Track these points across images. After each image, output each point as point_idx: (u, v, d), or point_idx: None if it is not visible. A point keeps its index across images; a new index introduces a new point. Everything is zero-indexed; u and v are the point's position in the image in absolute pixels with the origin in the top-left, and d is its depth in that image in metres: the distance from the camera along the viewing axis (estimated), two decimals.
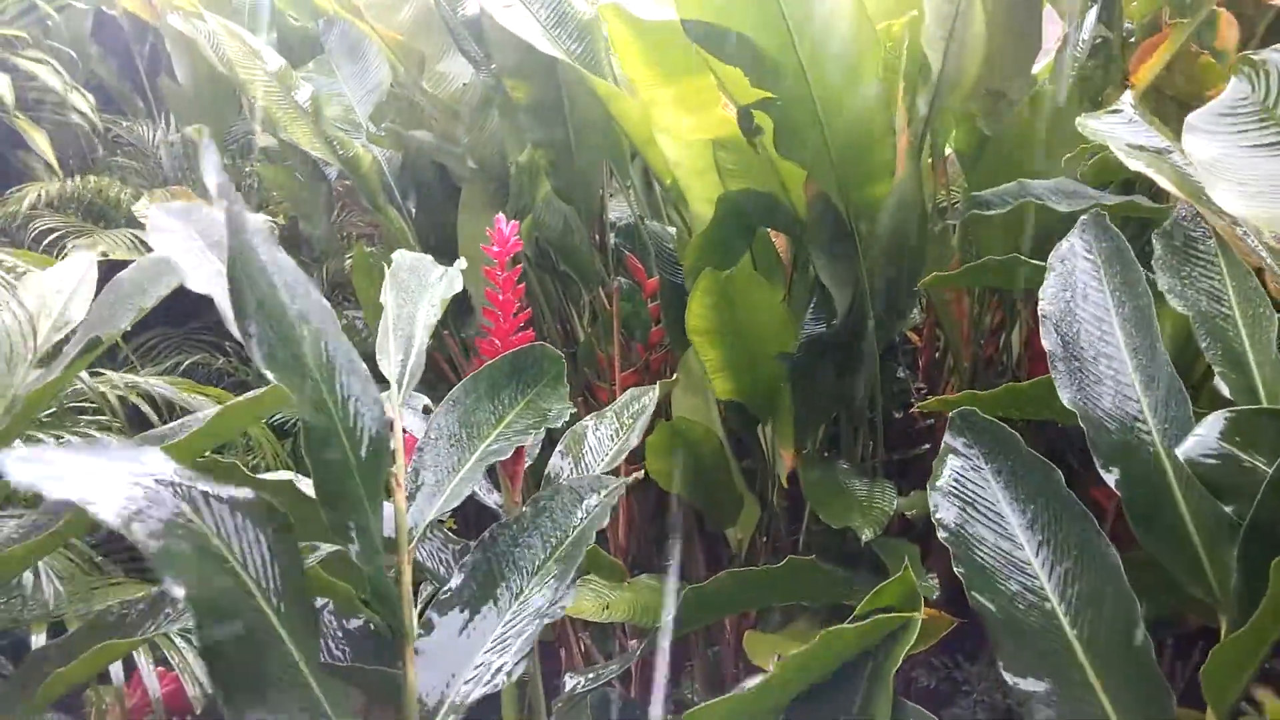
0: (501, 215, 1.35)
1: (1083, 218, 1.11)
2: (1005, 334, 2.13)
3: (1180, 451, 0.88)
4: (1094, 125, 1.30)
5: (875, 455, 2.03)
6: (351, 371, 0.94)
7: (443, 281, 1.24)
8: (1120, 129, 1.28)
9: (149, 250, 2.73)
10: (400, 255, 1.26)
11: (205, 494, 0.79)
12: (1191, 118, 0.86)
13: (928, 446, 2.21)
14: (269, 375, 0.82)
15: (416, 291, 1.23)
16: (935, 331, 2.30)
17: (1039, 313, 1.04)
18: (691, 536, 2.22)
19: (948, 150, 2.06)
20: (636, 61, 1.63)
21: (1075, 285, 1.06)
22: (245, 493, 0.82)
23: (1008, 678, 0.90)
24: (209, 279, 0.94)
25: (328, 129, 2.31)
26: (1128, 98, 1.39)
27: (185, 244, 0.99)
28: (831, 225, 1.72)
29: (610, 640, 2.20)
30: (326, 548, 1.17)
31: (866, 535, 1.69)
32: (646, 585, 1.89)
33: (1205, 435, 0.88)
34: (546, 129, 2.09)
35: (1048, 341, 1.03)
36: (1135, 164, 1.16)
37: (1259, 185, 0.80)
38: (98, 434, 1.68)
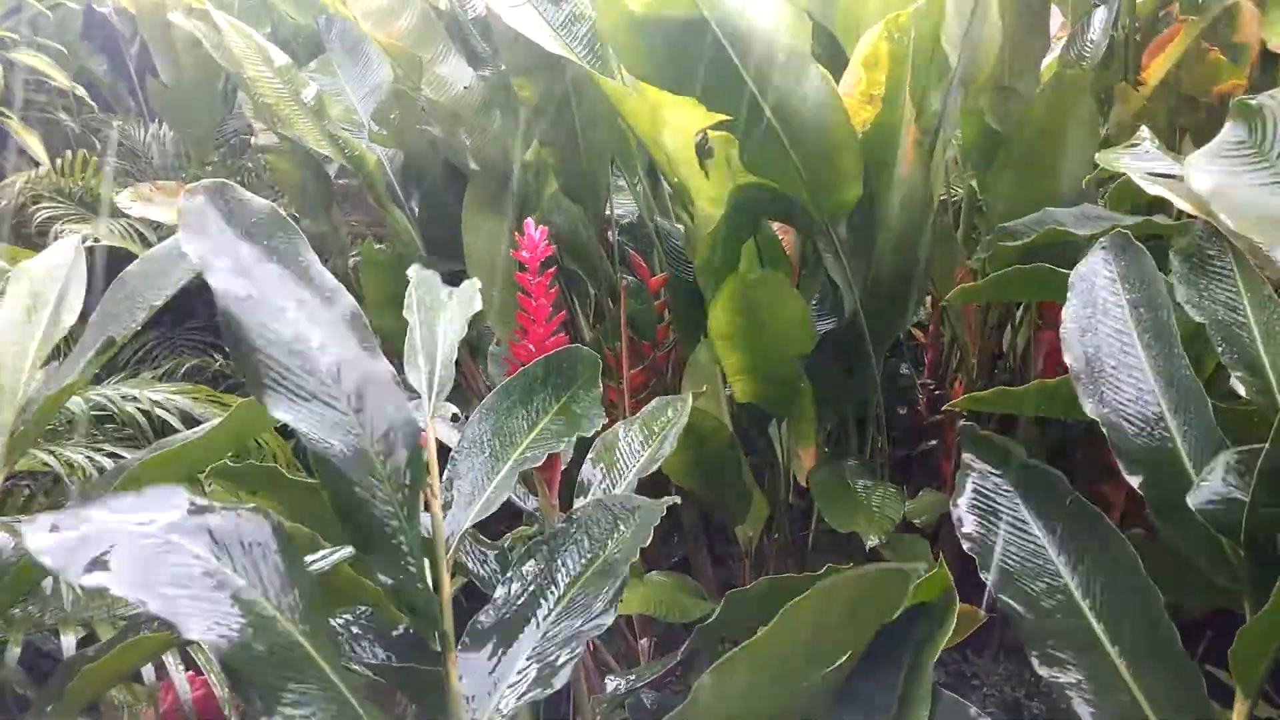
0: (530, 221, 1.39)
1: (1103, 238, 1.18)
2: (1013, 328, 2.19)
3: (1191, 501, 0.94)
4: (1114, 159, 1.37)
5: (881, 452, 2.10)
6: (377, 386, 0.96)
7: (465, 300, 1.28)
8: (1139, 161, 1.35)
9: (144, 240, 2.77)
10: (414, 271, 1.29)
11: (217, 531, 0.80)
12: (1192, 158, 0.93)
13: (934, 443, 2.28)
14: (282, 418, 0.85)
15: (437, 307, 1.27)
16: (940, 328, 2.36)
17: (1060, 330, 1.09)
18: (698, 533, 2.28)
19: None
20: (635, 58, 1.68)
21: (1096, 302, 1.12)
22: (255, 518, 0.84)
23: (1042, 672, 0.96)
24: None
25: (332, 128, 2.36)
26: (1145, 131, 1.46)
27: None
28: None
29: (617, 640, 2.25)
30: (347, 550, 1.20)
31: (872, 541, 1.75)
32: (659, 582, 1.95)
33: (1211, 481, 0.95)
34: (553, 127, 2.13)
35: (1069, 357, 1.09)
36: (1154, 189, 1.22)
37: (1256, 214, 0.86)
38: (124, 453, 1.71)
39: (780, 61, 1.57)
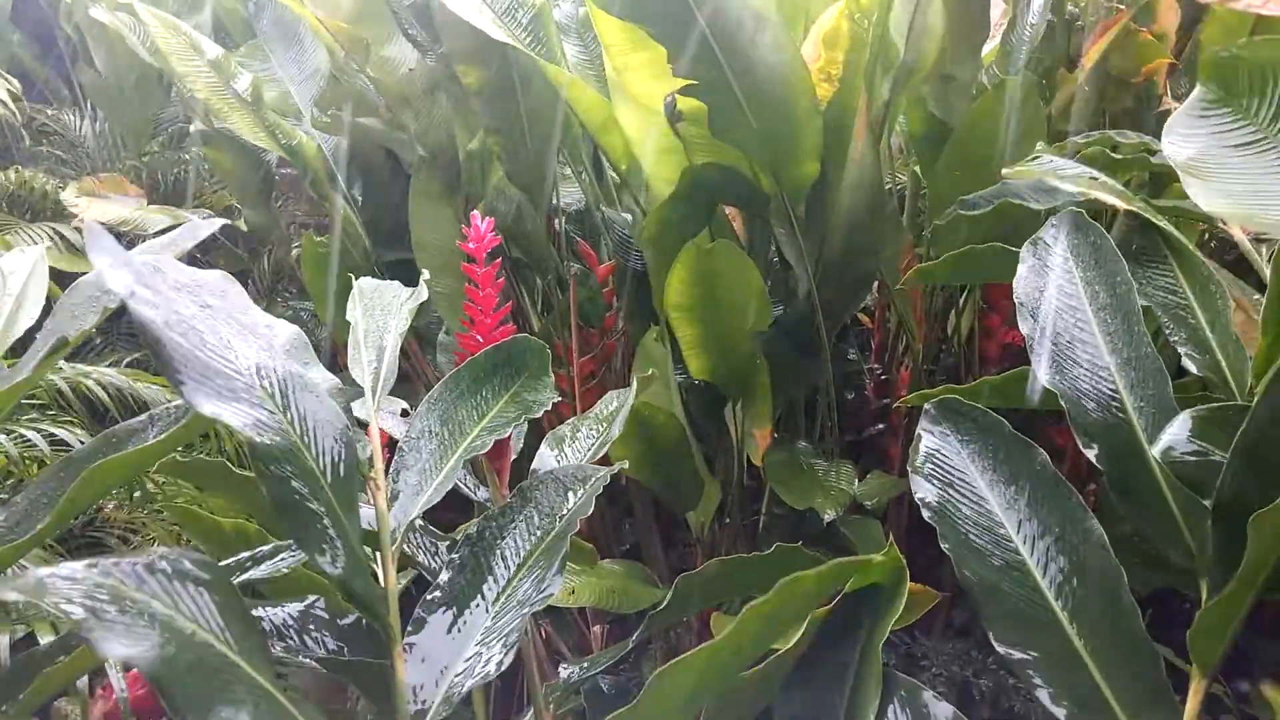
0: (477, 212, 1.37)
1: (1055, 215, 1.17)
2: (957, 313, 2.20)
3: (1155, 451, 0.94)
4: (1024, 170, 1.37)
5: (831, 435, 2.09)
6: (306, 391, 0.96)
7: (410, 299, 1.26)
8: (1049, 167, 1.35)
9: (69, 245, 2.70)
10: (364, 282, 1.28)
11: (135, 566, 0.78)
12: (1171, 121, 0.92)
13: (881, 427, 2.28)
14: (208, 414, 0.83)
15: (383, 307, 1.25)
16: (886, 313, 2.37)
17: (1015, 299, 1.09)
18: (649, 520, 2.26)
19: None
20: (612, 25, 1.65)
21: (1048, 275, 1.11)
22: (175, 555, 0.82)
23: (999, 648, 0.95)
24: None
25: (268, 117, 2.30)
26: (1041, 146, 1.46)
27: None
28: (780, 205, 1.77)
29: (570, 628, 2.23)
30: (290, 559, 1.19)
31: (829, 515, 1.75)
32: (611, 570, 1.93)
33: (1177, 434, 0.94)
34: (498, 114, 2.09)
35: (1024, 326, 1.07)
36: (1074, 188, 1.22)
37: (1237, 184, 0.86)
38: (55, 429, 1.66)
39: (747, 25, 1.55)
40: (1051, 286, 1.08)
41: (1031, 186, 1.45)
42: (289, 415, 0.92)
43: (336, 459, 0.96)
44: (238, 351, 0.91)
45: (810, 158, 1.73)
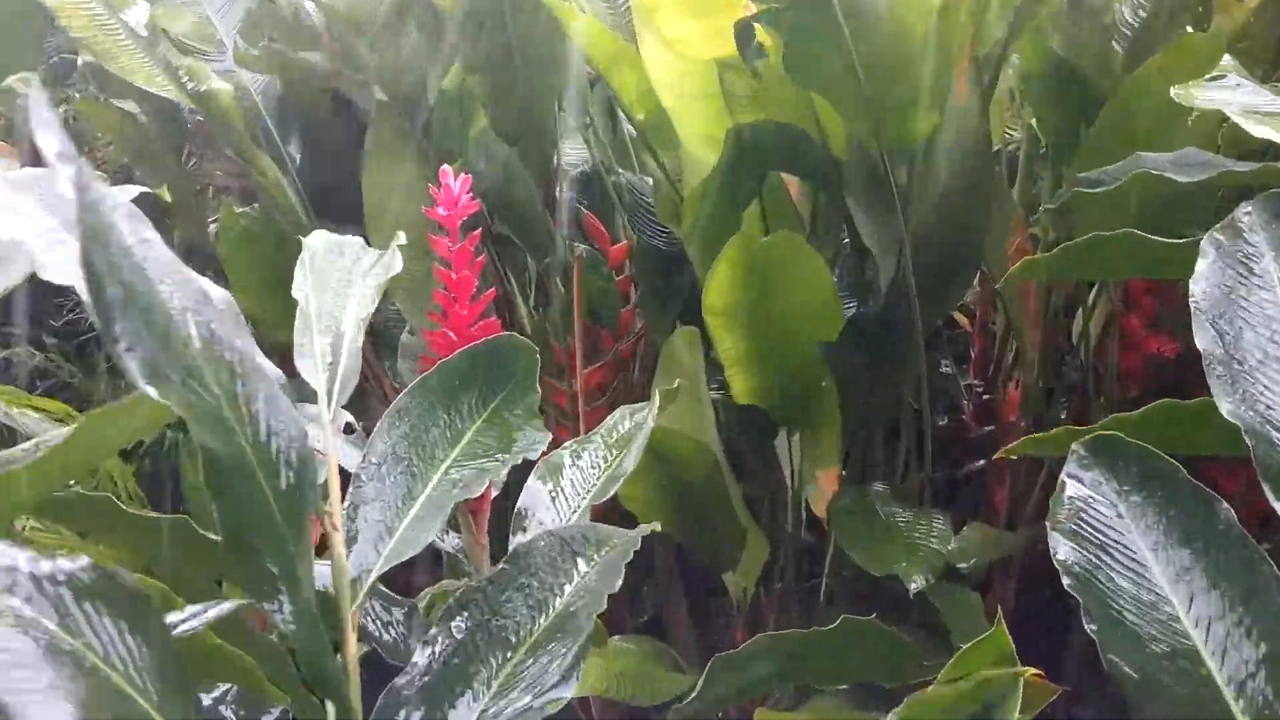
0: (448, 168, 1.34)
1: (1253, 198, 1.14)
2: (1084, 313, 2.16)
3: None
4: (1201, 95, 1.33)
5: (918, 474, 2.06)
6: (260, 379, 0.92)
7: (377, 266, 1.22)
8: (1230, 94, 1.32)
9: None
10: (314, 237, 1.25)
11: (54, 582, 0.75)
12: None
13: (982, 463, 2.24)
14: (151, 391, 0.79)
15: (340, 279, 1.22)
16: (989, 313, 2.33)
17: (1190, 304, 1.06)
18: (674, 583, 2.24)
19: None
20: None
21: (1238, 276, 1.09)
22: (96, 572, 0.79)
23: None
24: (72, 268, 0.91)
25: (173, 56, 2.28)
26: (1229, 60, 1.44)
27: (37, 223, 0.95)
28: (871, 170, 1.74)
29: None
30: (229, 604, 1.16)
31: (916, 584, 1.70)
32: (624, 649, 1.90)
33: None
34: (482, 47, 2.07)
35: (1203, 340, 1.05)
36: (1262, 130, 1.19)
37: None
38: None
39: None
40: (1241, 291, 1.06)
41: (1173, 160, 1.42)
42: (239, 411, 0.87)
43: (293, 479, 0.91)
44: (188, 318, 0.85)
45: (928, 106, 1.70)
